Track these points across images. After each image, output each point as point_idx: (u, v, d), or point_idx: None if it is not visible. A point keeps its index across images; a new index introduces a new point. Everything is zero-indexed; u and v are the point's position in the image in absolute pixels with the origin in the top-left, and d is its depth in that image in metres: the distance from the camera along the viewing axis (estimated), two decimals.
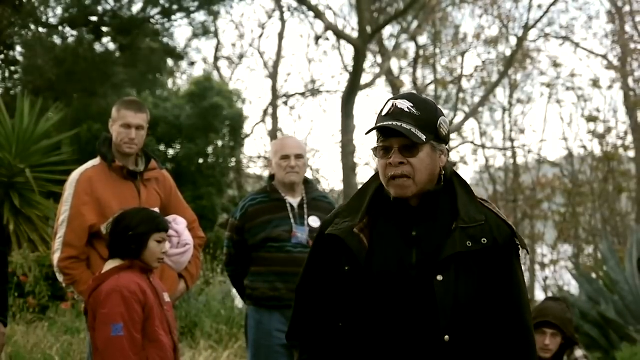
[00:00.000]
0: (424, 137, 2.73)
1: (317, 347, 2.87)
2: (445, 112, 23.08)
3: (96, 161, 4.89)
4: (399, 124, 2.73)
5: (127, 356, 4.03)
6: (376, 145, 2.80)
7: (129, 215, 4.24)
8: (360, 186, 3.03)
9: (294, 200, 5.30)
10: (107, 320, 4.05)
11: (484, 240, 2.74)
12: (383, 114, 2.79)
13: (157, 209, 4.64)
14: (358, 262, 2.77)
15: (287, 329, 2.99)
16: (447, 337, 2.70)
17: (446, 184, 2.84)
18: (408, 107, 2.77)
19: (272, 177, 5.42)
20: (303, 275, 2.95)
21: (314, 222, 5.21)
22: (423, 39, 22.32)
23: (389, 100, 2.83)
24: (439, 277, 2.71)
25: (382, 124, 2.76)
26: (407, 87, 22.43)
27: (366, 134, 2.80)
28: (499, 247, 2.77)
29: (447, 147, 2.85)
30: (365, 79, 20.64)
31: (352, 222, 2.81)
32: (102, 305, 4.07)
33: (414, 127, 2.73)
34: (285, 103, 24.13)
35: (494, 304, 2.76)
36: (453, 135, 22.09)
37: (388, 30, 21.59)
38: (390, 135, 2.76)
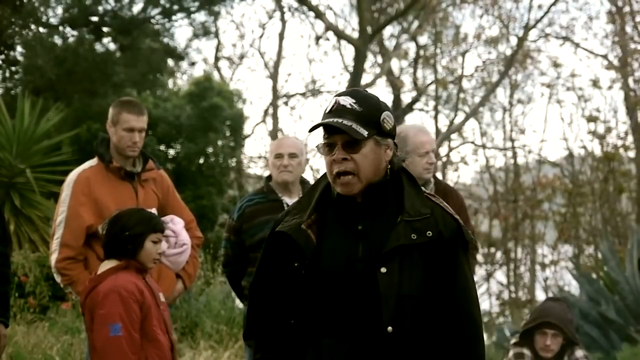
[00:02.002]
0: (365, 133, 2.77)
1: (270, 345, 2.89)
2: (445, 112, 22.99)
3: (93, 162, 4.90)
4: (340, 120, 2.78)
5: (125, 356, 4.03)
6: (320, 143, 2.84)
7: (125, 216, 4.24)
8: None
9: (290, 201, 5.29)
10: (105, 321, 4.05)
11: (429, 233, 2.78)
12: (326, 111, 2.84)
13: (154, 210, 4.65)
14: (306, 257, 2.80)
15: None
16: (390, 328, 2.72)
17: (393, 178, 2.87)
18: (350, 104, 2.81)
19: (269, 177, 5.42)
20: (255, 274, 2.98)
21: None
22: (423, 39, 22.33)
23: (333, 98, 2.87)
24: (383, 269, 2.74)
25: (323, 121, 2.81)
26: (407, 87, 22.44)
27: (309, 131, 2.86)
28: (444, 241, 2.80)
29: (393, 141, 2.87)
30: (365, 79, 20.66)
31: (300, 219, 2.86)
32: (99, 305, 4.07)
33: (355, 123, 2.77)
34: (286, 103, 24.13)
35: (440, 297, 2.78)
36: (454, 136, 22.09)
37: (388, 31, 21.61)
38: (333, 132, 2.80)
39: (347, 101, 2.82)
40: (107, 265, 4.20)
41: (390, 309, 2.72)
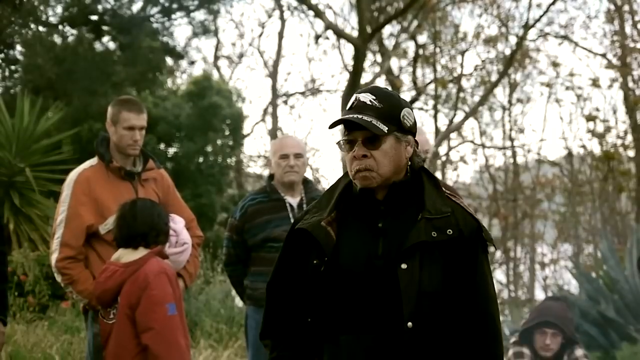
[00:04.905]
0: (385, 129, 2.78)
1: (287, 344, 2.89)
2: (445, 111, 22.96)
3: (94, 161, 4.89)
4: (360, 116, 2.78)
5: (181, 334, 4.15)
6: (341, 139, 2.85)
7: (153, 206, 4.39)
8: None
9: (293, 200, 5.30)
10: (162, 301, 4.12)
11: (450, 232, 2.78)
12: (347, 108, 2.85)
13: None
14: (326, 254, 2.80)
15: None
16: (410, 323, 2.73)
17: (414, 176, 2.88)
18: (370, 100, 2.82)
19: (271, 176, 5.41)
20: (274, 272, 2.98)
21: None
22: (422, 38, 22.31)
23: (353, 95, 2.87)
24: (403, 266, 2.75)
25: (343, 117, 2.82)
26: (406, 86, 22.43)
27: (329, 128, 2.86)
28: (464, 239, 2.80)
29: (413, 138, 2.87)
30: (365, 78, 20.62)
31: (320, 217, 2.86)
32: (151, 286, 4.13)
33: (375, 119, 2.78)
34: (285, 102, 24.12)
35: (459, 295, 2.79)
36: (453, 135, 22.08)
37: (388, 30, 21.58)
38: (353, 128, 2.81)
39: (367, 98, 2.82)
40: (138, 253, 4.24)
41: (410, 304, 2.73)
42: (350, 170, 2.83)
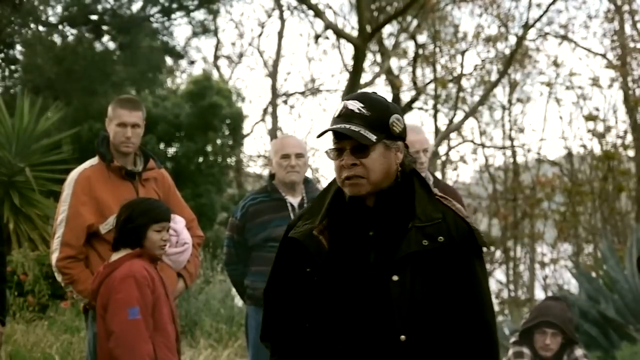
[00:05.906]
0: (373, 138, 2.74)
1: (287, 348, 2.88)
2: (444, 111, 22.90)
3: (94, 160, 4.90)
4: (347, 126, 2.75)
5: (144, 338, 4.12)
6: (329, 148, 2.82)
7: (130, 207, 4.38)
8: None
9: (294, 200, 5.30)
10: (124, 305, 4.12)
11: (441, 239, 2.75)
12: (335, 115, 2.81)
13: None
14: (318, 263, 2.78)
15: None
16: (403, 337, 2.70)
17: (404, 182, 2.84)
18: (358, 108, 2.78)
19: (272, 176, 5.41)
20: (270, 277, 2.98)
21: None
22: (422, 38, 22.30)
23: (341, 102, 2.84)
24: (395, 278, 2.72)
25: (331, 127, 2.79)
26: (406, 86, 22.43)
27: (317, 137, 2.83)
28: (456, 245, 2.77)
29: (404, 142, 2.84)
30: (365, 78, 20.62)
31: (312, 225, 2.83)
32: (116, 290, 4.15)
33: (364, 128, 2.74)
34: (285, 102, 24.11)
35: (453, 303, 2.76)
36: (453, 135, 22.07)
37: (387, 29, 21.58)
38: (341, 137, 2.78)
39: (355, 105, 2.79)
40: (120, 254, 4.28)
41: (403, 317, 2.71)
42: (339, 177, 2.80)
